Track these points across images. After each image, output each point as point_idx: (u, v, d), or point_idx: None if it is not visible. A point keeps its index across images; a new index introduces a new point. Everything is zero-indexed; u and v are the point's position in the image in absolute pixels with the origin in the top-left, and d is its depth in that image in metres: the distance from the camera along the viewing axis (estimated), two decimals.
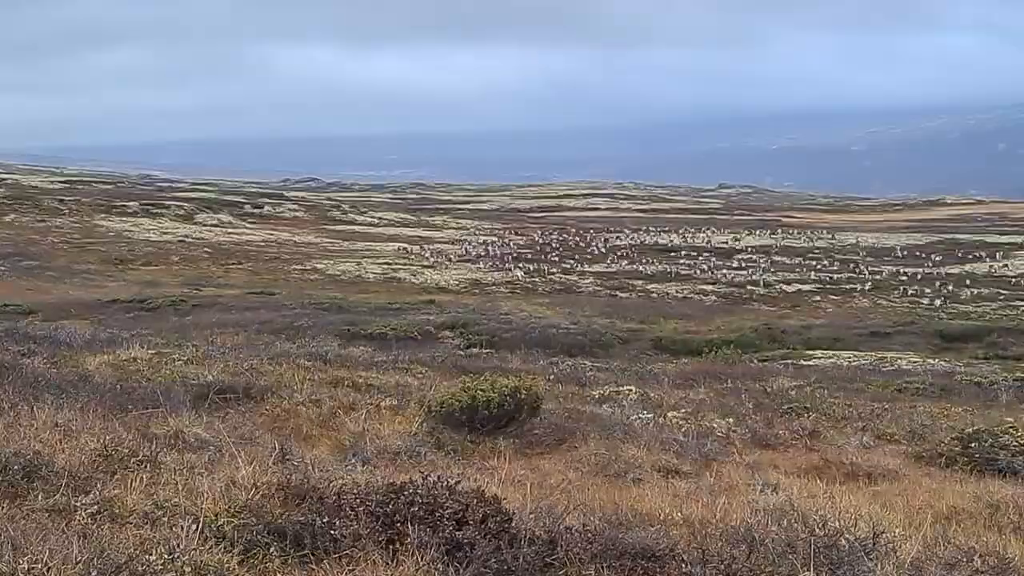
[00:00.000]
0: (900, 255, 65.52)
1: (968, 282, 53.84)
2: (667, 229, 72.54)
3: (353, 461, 6.73)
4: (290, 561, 4.68)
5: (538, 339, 20.43)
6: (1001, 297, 49.00)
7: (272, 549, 4.69)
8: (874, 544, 4.90)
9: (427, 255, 46.28)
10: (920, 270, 58.70)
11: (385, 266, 41.69)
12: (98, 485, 5.60)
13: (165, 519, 4.98)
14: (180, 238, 46.55)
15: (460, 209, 79.25)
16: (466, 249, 49.99)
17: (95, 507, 5.21)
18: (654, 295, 42.29)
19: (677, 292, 44.44)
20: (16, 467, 5.49)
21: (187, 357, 12.06)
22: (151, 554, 4.03)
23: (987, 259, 63.76)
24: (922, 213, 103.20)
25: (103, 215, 50.94)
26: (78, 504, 5.26)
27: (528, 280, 41.59)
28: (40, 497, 5.33)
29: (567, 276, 44.75)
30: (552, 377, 14.16)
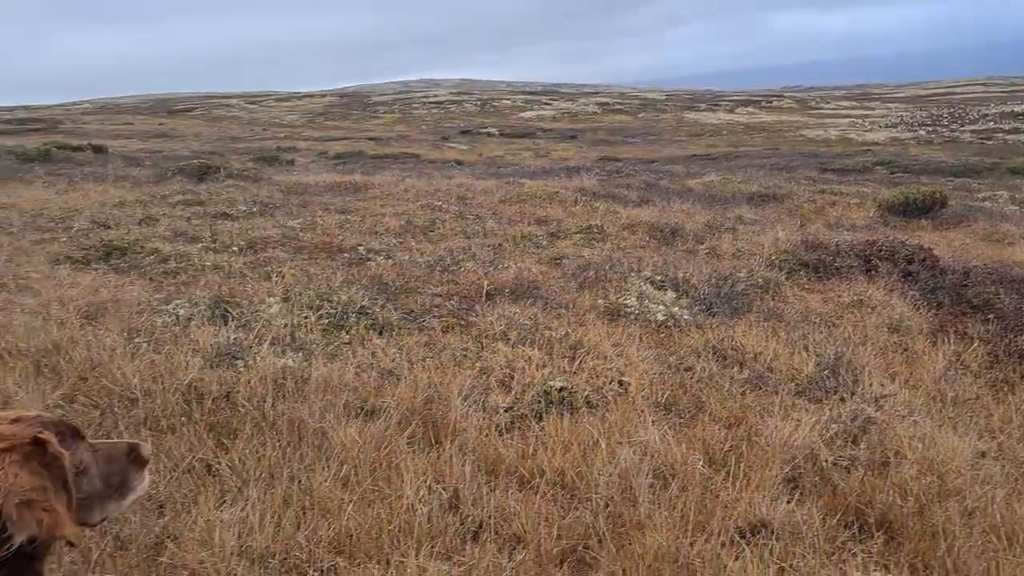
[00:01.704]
0: None
1: None
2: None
3: (839, 230, 11.01)
4: (812, 278, 8.78)
5: (933, 169, 27.89)
6: None
7: (802, 273, 8.86)
8: None
9: (866, 124, 63.01)
10: None
11: (840, 131, 57.39)
12: (706, 240, 10.40)
13: (743, 256, 9.51)
14: (725, 122, 67.45)
15: (892, 98, 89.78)
16: (890, 120, 64.93)
17: (706, 250, 9.96)
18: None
19: None
20: (667, 229, 10.55)
21: (738, 179, 18.19)
22: (740, 272, 8.49)
23: None
24: None
25: (688, 111, 75.59)
26: (698, 248, 10.07)
27: (926, 137, 53.65)
28: (680, 245, 10.25)
29: (952, 132, 54.21)
30: (950, 188, 18.06)
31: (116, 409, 4.29)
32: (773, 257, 9.08)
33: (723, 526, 3.53)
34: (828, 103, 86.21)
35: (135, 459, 1.95)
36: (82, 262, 7.73)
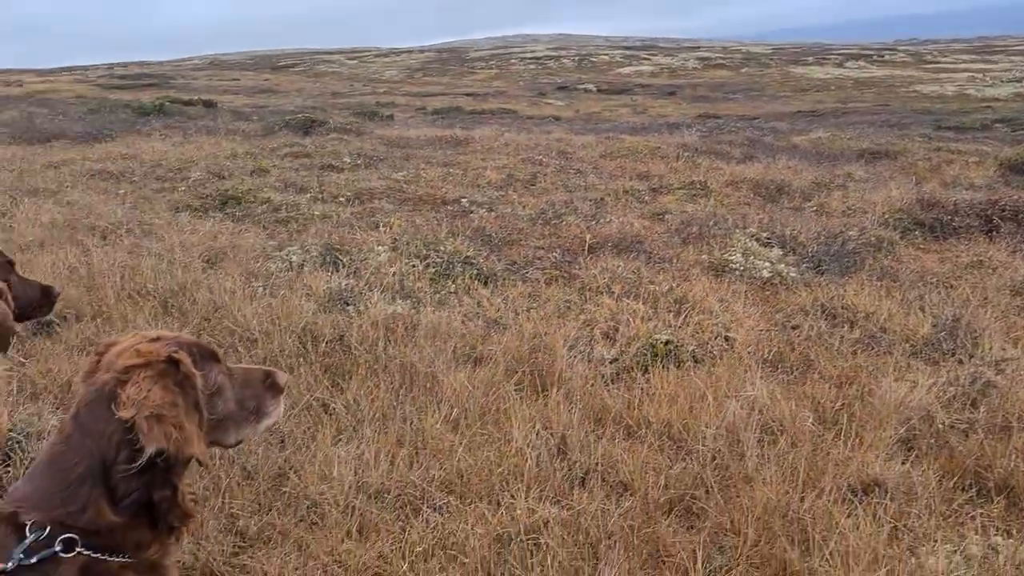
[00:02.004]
0: None
1: None
2: None
3: (956, 189, 10.40)
4: (928, 238, 8.43)
5: None
6: None
7: (917, 232, 8.52)
8: None
9: (987, 79, 58.48)
10: None
11: (957, 87, 53.98)
12: (814, 197, 10.09)
13: (854, 214, 9.19)
14: (833, 77, 64.97)
15: (1018, 51, 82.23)
16: (1014, 75, 60.72)
17: (814, 208, 9.66)
18: None
19: None
20: (773, 186, 10.27)
21: (847, 136, 17.50)
22: (850, 230, 8.22)
23: None
24: None
25: (793, 66, 73.04)
26: (804, 206, 9.78)
27: None
28: (786, 202, 9.97)
29: None
30: None
31: (238, 348, 4.49)
32: (886, 215, 8.76)
33: (835, 484, 3.47)
34: (945, 57, 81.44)
35: (271, 385, 2.00)
36: (200, 210, 8.06)
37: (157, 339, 1.80)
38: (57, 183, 9.35)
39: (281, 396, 2.03)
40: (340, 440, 3.72)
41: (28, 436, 3.64)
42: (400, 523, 3.20)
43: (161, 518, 1.72)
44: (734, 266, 6.78)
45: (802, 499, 3.34)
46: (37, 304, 2.86)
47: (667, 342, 4.92)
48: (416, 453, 3.64)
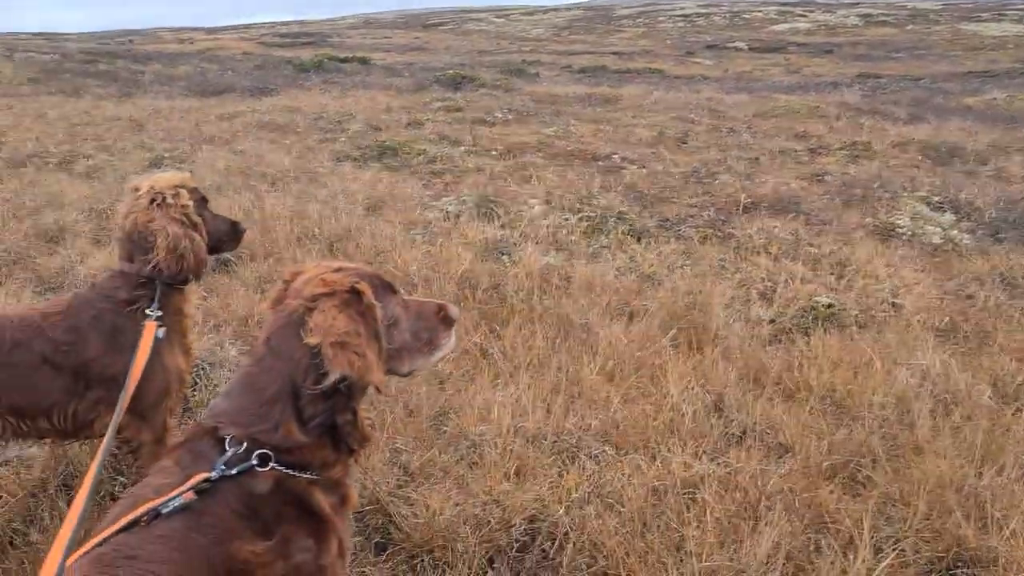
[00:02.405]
0: None
1: None
2: None
3: None
4: None
5: None
6: None
7: None
8: None
9: None
10: None
11: None
12: (991, 161, 9.41)
13: None
14: (1012, 34, 57.60)
15: None
16: None
17: (991, 172, 8.99)
18: None
19: None
20: (944, 148, 9.64)
21: None
22: None
23: None
24: None
25: (965, 22, 66.55)
26: (980, 170, 9.12)
27: None
28: (959, 166, 9.33)
29: None
30: None
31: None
32: None
33: (1017, 461, 3.27)
34: None
35: (443, 318, 2.03)
36: (359, 160, 8.33)
37: (339, 269, 1.86)
38: (230, 133, 9.88)
39: (453, 328, 2.05)
40: (498, 384, 3.80)
41: (212, 364, 3.90)
42: (557, 468, 3.24)
43: (343, 440, 1.81)
44: (901, 230, 6.43)
45: (979, 475, 3.17)
46: (226, 238, 3.03)
47: (829, 305, 4.74)
48: (572, 402, 3.67)
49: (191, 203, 2.84)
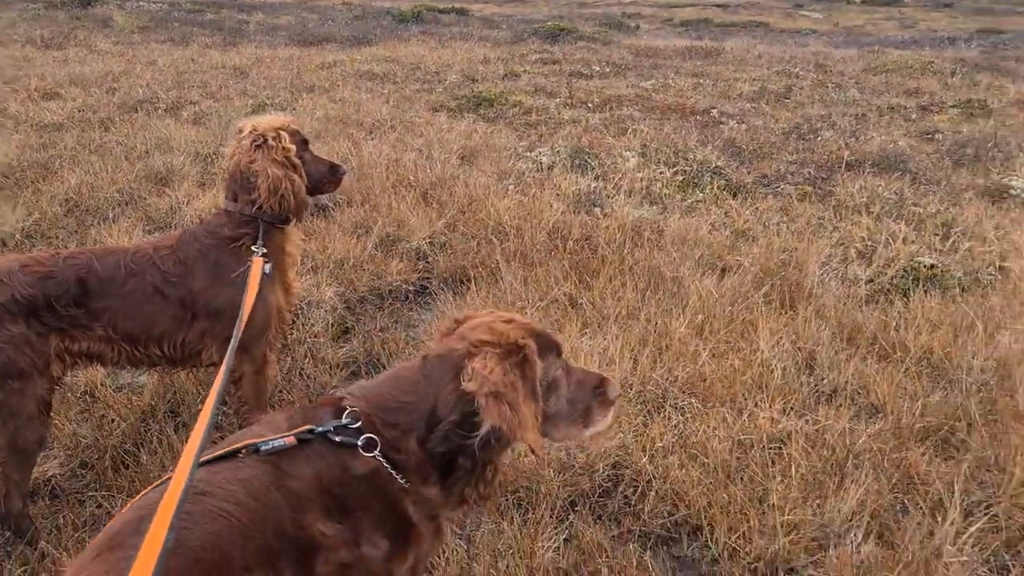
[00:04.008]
0: None
1: None
2: None
3: None
4: None
5: None
6: None
7: None
8: None
9: None
10: None
11: None
12: None
13: None
14: None
15: None
16: None
17: None
18: None
19: None
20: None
21: None
22: None
23: None
24: None
25: None
26: None
27: None
28: None
29: None
30: None
31: (492, 240, 4.70)
32: None
33: None
34: None
35: (601, 395, 1.94)
36: (455, 110, 8.39)
37: (511, 321, 1.85)
38: (329, 82, 10.06)
39: (612, 409, 1.97)
40: (586, 333, 3.83)
41: (308, 304, 4.06)
42: (642, 418, 3.27)
43: (455, 483, 1.81)
44: (1015, 192, 6.13)
45: None
46: (326, 180, 3.13)
47: (931, 266, 4.59)
48: (660, 354, 3.68)
49: (292, 146, 2.95)
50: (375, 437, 1.71)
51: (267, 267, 2.80)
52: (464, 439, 1.73)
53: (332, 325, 3.93)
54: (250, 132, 2.94)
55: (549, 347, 1.86)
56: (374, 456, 1.70)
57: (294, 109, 8.08)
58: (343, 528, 1.65)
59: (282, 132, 2.95)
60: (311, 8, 26.01)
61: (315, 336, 3.81)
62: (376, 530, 1.70)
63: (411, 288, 4.37)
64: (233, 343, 2.22)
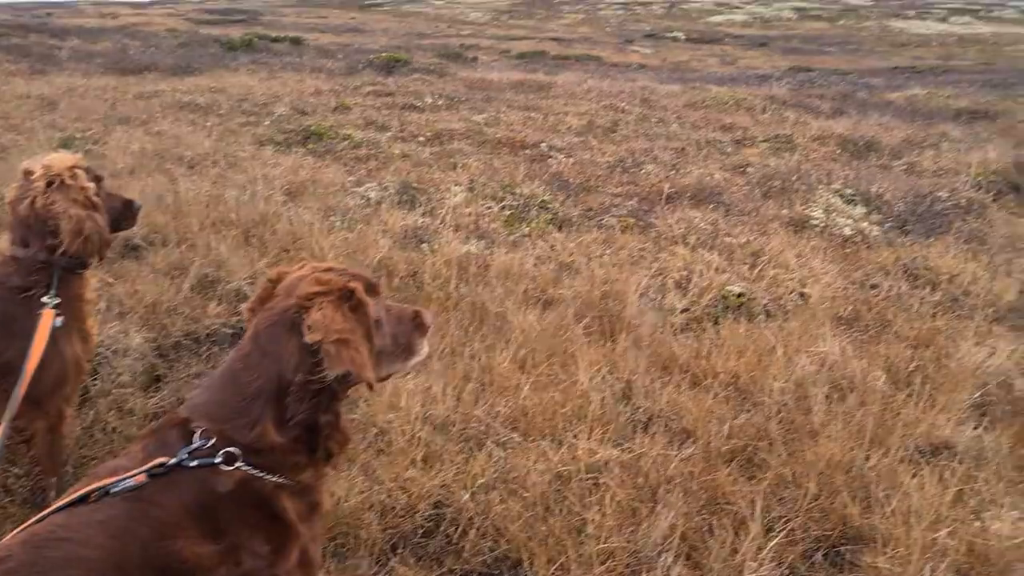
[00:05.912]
0: None
1: None
2: None
3: None
4: (1023, 203, 8.06)
5: None
6: None
7: (1011, 196, 8.17)
8: None
9: None
10: None
11: None
12: (904, 155, 9.74)
13: (945, 175, 8.83)
14: (936, 32, 61.59)
15: None
16: None
17: (904, 167, 9.32)
18: None
19: None
20: (861, 142, 9.94)
21: (945, 94, 15.99)
22: (940, 191, 7.89)
23: None
24: None
25: (894, 19, 69.89)
26: (893, 164, 9.45)
27: None
28: (874, 160, 9.64)
29: None
30: None
31: None
32: (979, 177, 8.40)
33: (902, 443, 3.43)
34: None
35: (419, 325, 2.03)
36: (283, 144, 8.22)
37: (330, 269, 1.87)
38: (147, 113, 9.63)
39: (427, 336, 2.06)
40: (409, 373, 3.81)
41: (115, 352, 3.84)
42: (463, 455, 3.28)
43: (321, 443, 1.80)
44: (815, 222, 6.63)
45: (867, 457, 3.32)
46: (122, 217, 3.00)
47: (740, 294, 4.87)
48: (482, 389, 3.72)
49: (91, 184, 2.81)
50: (233, 450, 1.67)
51: (59, 320, 2.64)
52: (318, 393, 1.73)
53: (140, 374, 3.73)
54: (43, 173, 2.77)
55: (371, 288, 1.91)
56: (237, 468, 1.67)
57: (106, 143, 7.66)
58: (219, 548, 1.61)
59: (77, 171, 2.81)
60: (133, 34, 24.89)
61: (121, 387, 3.60)
62: (256, 539, 1.68)
63: (230, 331, 4.21)
64: (12, 406, 2.08)
